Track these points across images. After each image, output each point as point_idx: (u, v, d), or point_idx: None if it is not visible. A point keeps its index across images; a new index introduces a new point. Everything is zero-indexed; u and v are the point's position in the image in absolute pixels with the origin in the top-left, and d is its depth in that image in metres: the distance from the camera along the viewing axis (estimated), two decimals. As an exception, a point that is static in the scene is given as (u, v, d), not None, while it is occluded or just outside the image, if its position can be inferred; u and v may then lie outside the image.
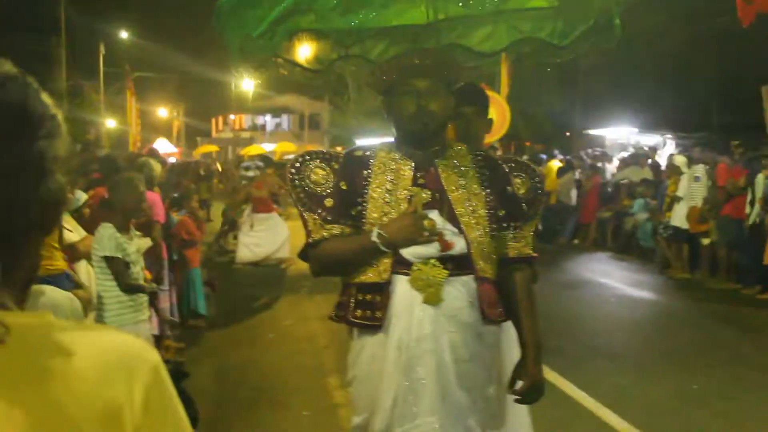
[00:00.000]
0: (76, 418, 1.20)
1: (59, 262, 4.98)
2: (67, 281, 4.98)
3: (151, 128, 50.65)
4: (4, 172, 1.18)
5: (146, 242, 6.92)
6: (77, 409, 1.21)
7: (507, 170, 3.78)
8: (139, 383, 1.29)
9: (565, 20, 4.56)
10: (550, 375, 8.37)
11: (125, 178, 7.00)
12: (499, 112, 13.38)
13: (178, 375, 6.43)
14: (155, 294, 7.01)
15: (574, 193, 21.64)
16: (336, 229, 3.53)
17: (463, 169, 3.65)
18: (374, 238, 3.41)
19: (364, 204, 3.53)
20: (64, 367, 1.22)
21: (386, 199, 3.51)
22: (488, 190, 3.64)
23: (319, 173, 3.60)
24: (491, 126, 4.67)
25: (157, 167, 9.37)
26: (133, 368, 1.30)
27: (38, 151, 1.23)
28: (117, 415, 1.25)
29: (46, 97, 1.28)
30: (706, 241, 14.68)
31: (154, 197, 8.88)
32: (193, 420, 6.33)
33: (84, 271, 6.58)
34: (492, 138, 13.96)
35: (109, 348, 1.30)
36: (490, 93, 13.32)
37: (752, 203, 13.11)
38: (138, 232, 6.86)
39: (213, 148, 67.13)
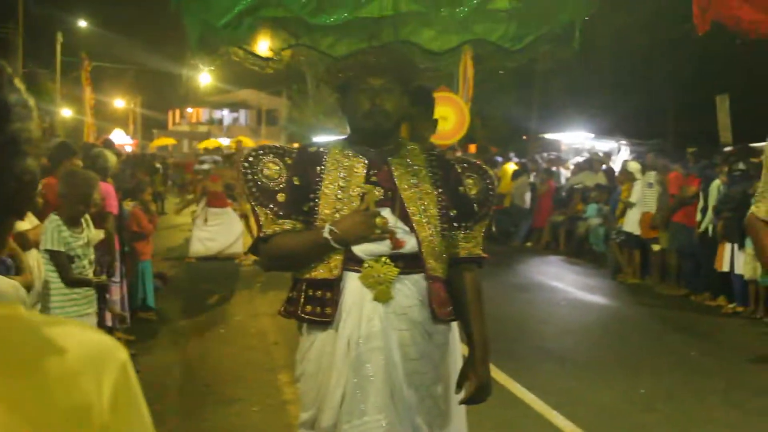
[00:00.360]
0: (48, 414, 1.20)
1: None
2: (1, 267, 4.90)
3: (108, 119, 50.16)
4: None
5: (98, 234, 6.84)
6: (49, 404, 1.20)
7: (459, 171, 3.79)
8: (108, 381, 1.28)
9: (519, 24, 4.58)
10: (499, 376, 8.43)
11: (79, 172, 6.93)
12: (457, 113, 13.42)
13: None
14: (105, 287, 6.93)
15: (528, 197, 21.76)
16: (288, 224, 3.52)
17: (415, 168, 3.66)
18: (326, 234, 3.41)
19: (317, 200, 3.53)
20: (37, 360, 1.22)
21: (339, 196, 3.52)
22: (440, 190, 3.66)
23: (272, 168, 3.59)
24: (436, 127, 4.67)
25: (112, 158, 9.27)
26: (103, 365, 1.29)
27: (11, 134, 1.23)
28: (86, 412, 1.24)
29: (18, 83, 1.29)
30: (656, 248, 14.81)
31: (107, 188, 8.79)
32: None
33: (34, 258, 6.50)
34: (453, 139, 14.00)
35: (82, 345, 1.29)
36: (449, 95, 13.39)
37: (704, 211, 13.24)
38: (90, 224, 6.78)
39: (170, 141, 66.65)
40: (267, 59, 4.33)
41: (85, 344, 1.30)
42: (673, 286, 14.46)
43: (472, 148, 28.77)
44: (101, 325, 6.85)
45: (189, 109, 72.99)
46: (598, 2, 4.35)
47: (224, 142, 57.54)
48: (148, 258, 11.04)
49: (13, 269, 5.05)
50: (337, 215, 3.47)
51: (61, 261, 6.24)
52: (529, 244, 21.32)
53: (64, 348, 1.25)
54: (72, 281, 6.29)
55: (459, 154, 13.29)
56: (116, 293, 8.92)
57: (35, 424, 1.18)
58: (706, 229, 13.26)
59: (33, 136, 1.27)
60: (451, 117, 13.40)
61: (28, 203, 1.31)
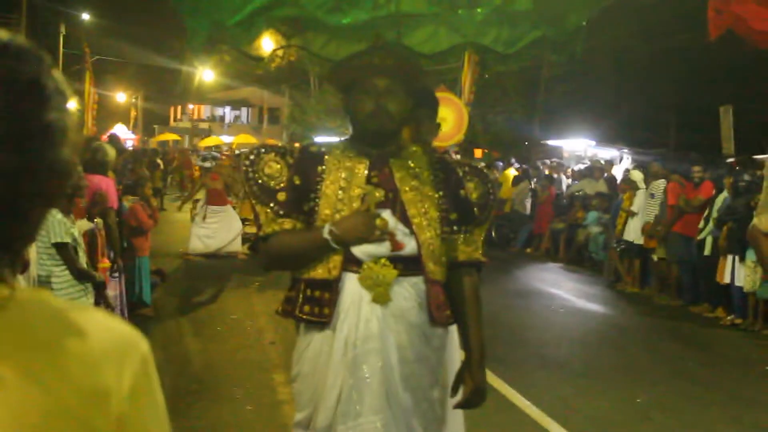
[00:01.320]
0: (67, 392, 1.21)
1: None
2: None
3: (109, 113, 50.20)
4: (16, 140, 1.20)
5: (86, 224, 6.83)
6: (69, 382, 1.22)
7: (461, 174, 3.79)
8: (129, 370, 1.30)
9: (512, 28, 4.55)
10: (496, 382, 8.42)
11: None
12: (456, 115, 13.39)
13: None
14: (103, 284, 6.92)
15: (528, 203, 21.78)
16: (288, 224, 3.52)
17: (417, 170, 3.65)
18: (326, 234, 3.41)
19: (317, 200, 3.53)
20: (61, 340, 1.24)
21: (339, 196, 3.51)
22: (441, 193, 3.65)
23: (273, 167, 3.59)
24: (438, 130, 4.66)
25: (112, 152, 9.24)
26: (125, 355, 1.32)
27: (48, 122, 1.25)
28: (105, 397, 1.25)
29: (57, 73, 1.31)
30: (655, 257, 14.80)
31: (108, 183, 8.78)
32: None
33: (34, 254, 6.49)
34: (450, 141, 13.96)
35: (108, 332, 1.32)
36: (449, 96, 13.37)
37: (707, 219, 13.23)
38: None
39: (173, 136, 66.62)
40: (258, 59, 4.32)
41: (109, 331, 1.32)
42: (672, 296, 14.45)
43: (478, 153, 28.82)
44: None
45: (190, 106, 72.97)
46: (597, 7, 4.34)
47: (225, 139, 57.61)
48: (145, 254, 11.03)
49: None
50: (338, 216, 3.47)
51: (68, 253, 6.24)
52: (528, 250, 21.31)
53: (88, 332, 1.27)
54: (81, 273, 6.29)
55: (457, 157, 13.29)
56: (114, 288, 8.90)
57: (54, 399, 1.19)
58: (705, 239, 13.25)
59: (68, 127, 1.29)
60: (449, 118, 13.35)
61: (60, 194, 1.33)
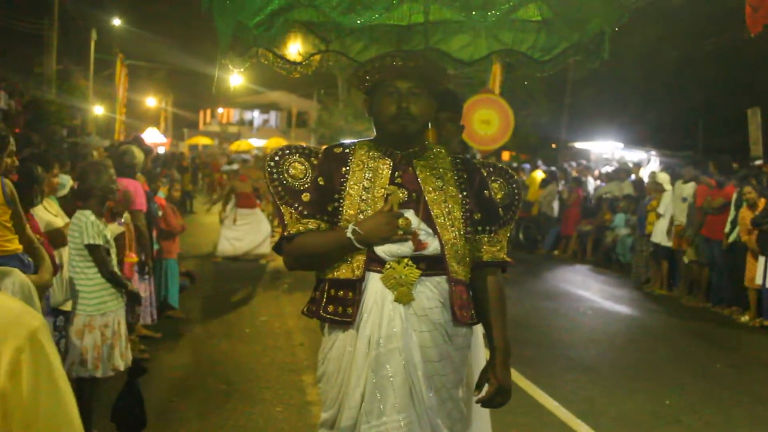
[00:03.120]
0: None
1: (12, 244, 4.92)
2: (19, 263, 4.93)
3: (139, 117, 50.49)
4: None
5: (117, 228, 6.88)
6: None
7: (485, 174, 3.80)
8: (10, 346, 1.30)
9: (549, 35, 4.54)
10: (523, 383, 8.43)
11: (92, 164, 6.97)
12: (502, 117, 13.33)
13: (135, 371, 6.39)
14: (138, 297, 6.95)
15: (556, 205, 21.72)
16: (312, 224, 3.53)
17: (441, 170, 3.66)
18: (349, 234, 3.42)
19: (341, 200, 3.54)
20: None
21: (363, 197, 3.52)
22: (465, 193, 3.65)
23: (297, 167, 3.61)
24: (462, 132, 4.66)
25: (140, 155, 9.29)
26: (6, 331, 1.31)
27: None
28: None
29: None
30: (686, 259, 14.72)
31: (136, 185, 8.84)
32: (139, 421, 6.30)
33: (66, 256, 6.54)
34: (495, 145, 13.89)
35: None
36: (495, 98, 13.27)
37: (733, 222, 13.15)
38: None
39: (205, 140, 66.82)
40: (295, 63, 4.32)
41: None
42: (700, 298, 14.37)
43: (505, 155, 28.76)
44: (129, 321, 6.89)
45: (220, 110, 73.25)
46: (627, 14, 4.31)
47: (255, 143, 57.76)
48: (173, 257, 11.07)
49: (32, 267, 5.07)
50: (361, 216, 3.48)
51: (100, 255, 6.29)
52: (556, 252, 21.28)
53: None
54: (112, 276, 6.34)
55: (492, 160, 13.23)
56: (144, 290, 8.96)
57: None
58: (733, 241, 13.17)
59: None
60: (494, 121, 13.27)
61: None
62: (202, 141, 66.66)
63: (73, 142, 13.67)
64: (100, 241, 6.27)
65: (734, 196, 13.34)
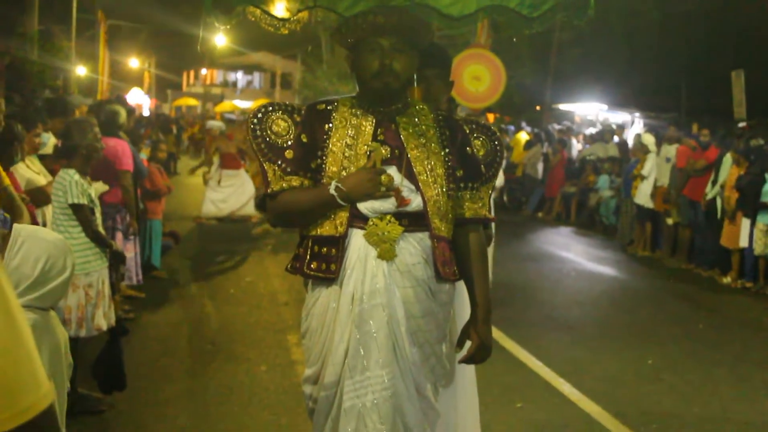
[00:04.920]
0: None
1: None
2: None
3: (122, 78, 50.13)
4: None
5: (102, 187, 6.84)
6: None
7: (468, 131, 3.80)
8: None
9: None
10: (507, 344, 8.48)
11: (76, 122, 6.91)
12: (493, 74, 13.18)
13: (117, 331, 6.37)
14: (121, 255, 6.91)
15: (540, 167, 21.73)
16: (295, 181, 3.53)
17: (423, 128, 3.65)
18: (332, 190, 3.42)
19: (324, 157, 3.54)
20: None
21: (346, 154, 3.52)
22: (447, 150, 3.66)
23: (281, 125, 3.59)
24: (451, 88, 4.63)
25: (123, 113, 9.23)
26: None
27: None
28: None
29: None
30: (670, 221, 14.77)
31: (123, 145, 8.78)
32: (118, 383, 6.30)
33: (50, 214, 6.50)
34: (485, 102, 13.74)
35: None
36: (485, 53, 13.12)
37: (714, 182, 13.20)
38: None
39: (191, 101, 66.48)
40: (283, 20, 4.26)
41: None
42: (683, 259, 14.44)
43: (490, 117, 28.69)
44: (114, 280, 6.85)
45: (203, 71, 72.86)
46: None
47: (239, 104, 57.52)
48: (158, 217, 11.05)
49: (8, 222, 5.01)
50: (344, 173, 3.48)
51: (84, 214, 6.25)
52: (540, 214, 21.32)
53: None
54: (96, 235, 6.30)
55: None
56: (130, 250, 8.94)
57: None
58: (714, 204, 13.23)
59: None
60: (485, 78, 13.08)
61: None
62: (187, 102, 66.36)
63: (49, 98, 13.51)
64: (84, 201, 6.24)
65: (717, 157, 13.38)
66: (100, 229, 6.50)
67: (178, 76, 75.31)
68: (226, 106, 56.06)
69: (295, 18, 4.20)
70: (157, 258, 11.04)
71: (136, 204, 9.31)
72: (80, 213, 6.24)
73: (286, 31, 4.21)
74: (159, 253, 11.12)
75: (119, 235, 8.70)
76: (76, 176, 6.27)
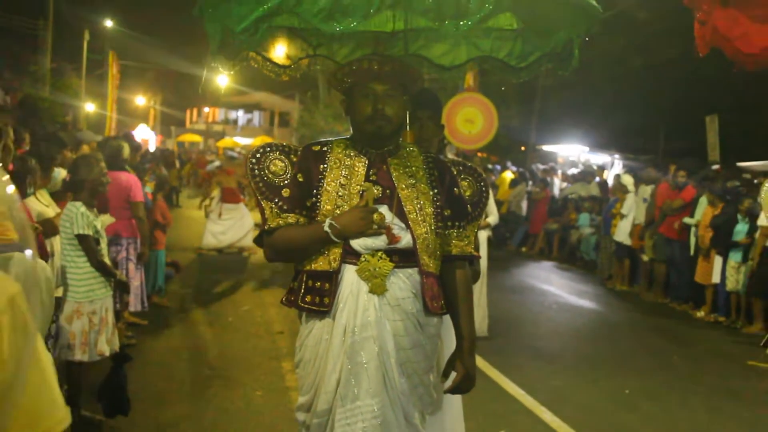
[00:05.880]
0: None
1: (11, 233, 4.87)
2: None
3: (130, 114, 50.30)
4: None
5: (108, 219, 6.84)
6: None
7: (455, 173, 3.83)
8: None
9: (524, 43, 4.56)
10: (492, 373, 8.47)
11: (83, 157, 6.94)
12: (486, 117, 13.21)
13: (120, 358, 6.37)
14: (126, 286, 6.92)
15: (524, 204, 21.79)
16: (291, 218, 3.55)
17: (413, 169, 3.68)
18: (326, 228, 3.44)
19: (319, 196, 3.56)
20: None
21: (340, 193, 3.54)
22: (436, 191, 3.68)
23: (278, 164, 3.62)
24: (443, 130, 4.66)
25: (127, 149, 9.28)
26: None
27: None
28: None
29: None
30: (645, 258, 14.81)
31: (133, 178, 8.87)
32: (121, 408, 6.29)
33: (57, 245, 6.50)
34: (477, 144, 13.77)
35: None
36: (479, 96, 13.14)
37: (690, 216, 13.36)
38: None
39: (194, 137, 66.58)
40: (284, 66, 4.32)
41: None
42: (659, 294, 14.46)
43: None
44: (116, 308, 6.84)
45: (206, 109, 73.06)
46: (597, 23, 4.32)
47: (239, 141, 57.66)
48: (162, 248, 11.06)
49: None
50: (338, 211, 3.50)
51: (89, 244, 6.26)
52: (523, 249, 21.33)
53: None
54: (100, 264, 6.31)
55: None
56: (137, 279, 8.95)
57: None
58: (687, 242, 13.35)
59: None
60: (478, 120, 13.11)
61: None
62: (190, 138, 66.49)
63: (52, 134, 13.54)
64: (89, 232, 6.25)
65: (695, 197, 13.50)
66: (106, 259, 6.50)
67: (182, 113, 75.52)
68: (227, 142, 56.18)
69: (294, 65, 4.24)
70: (161, 286, 11.05)
71: (151, 234, 9.35)
72: (85, 243, 6.25)
73: (287, 78, 4.25)
74: (163, 281, 11.14)
75: (131, 266, 8.73)
76: (83, 208, 6.28)
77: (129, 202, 8.70)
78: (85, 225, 6.24)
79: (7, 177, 1.50)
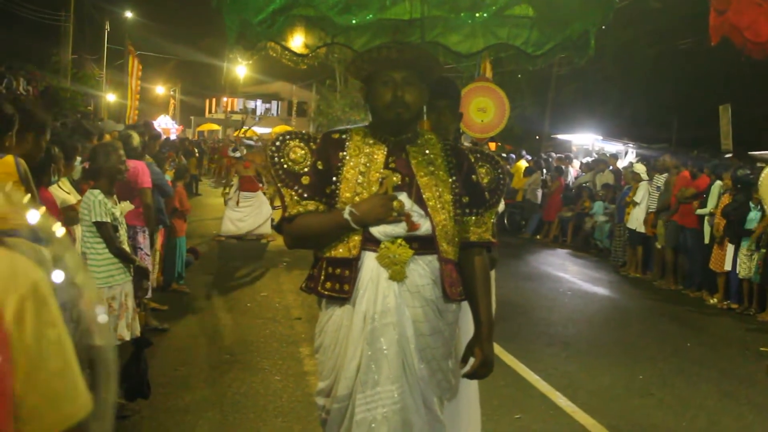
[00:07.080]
0: None
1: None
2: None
3: (149, 104, 50.40)
4: None
5: (128, 206, 6.84)
6: None
7: (473, 160, 3.80)
8: (14, 295, 1.36)
9: (541, 31, 4.54)
10: (506, 358, 8.44)
11: (102, 145, 6.94)
12: (498, 105, 13.14)
13: (141, 343, 6.39)
14: (145, 270, 6.92)
15: (539, 192, 21.74)
16: (311, 206, 3.53)
17: (432, 156, 3.65)
18: (346, 215, 3.42)
19: (338, 183, 3.53)
20: None
21: (359, 180, 3.51)
22: (454, 178, 3.65)
23: (298, 152, 3.59)
24: (461, 119, 4.64)
25: (137, 138, 9.26)
26: (12, 282, 1.37)
27: None
28: None
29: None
30: (659, 245, 14.75)
31: (142, 165, 8.82)
32: (142, 391, 6.31)
33: (79, 232, 6.51)
34: (490, 132, 13.70)
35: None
36: (491, 86, 13.09)
37: (703, 204, 13.28)
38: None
39: (214, 126, 66.63)
40: (302, 55, 4.32)
41: (2, 261, 1.39)
42: (671, 281, 14.41)
43: (492, 145, 28.72)
44: (137, 295, 6.84)
45: (224, 98, 73.16)
46: (611, 14, 4.31)
47: (257, 130, 57.72)
48: (183, 235, 11.08)
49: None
50: (357, 198, 3.47)
51: (108, 232, 6.26)
52: (538, 236, 21.28)
53: None
54: (118, 251, 6.31)
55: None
56: (148, 264, 8.94)
57: None
58: (701, 230, 13.30)
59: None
60: (490, 109, 13.05)
61: None
62: (210, 127, 66.58)
63: (77, 123, 13.56)
64: (107, 219, 6.24)
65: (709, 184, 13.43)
66: (125, 245, 6.50)
67: (202, 103, 75.64)
68: (246, 131, 56.25)
69: (313, 54, 4.22)
70: (180, 273, 11.07)
71: (163, 220, 9.35)
72: (103, 230, 6.24)
73: (305, 66, 4.23)
74: (183, 268, 11.16)
75: (141, 254, 8.72)
76: (101, 196, 6.27)
77: (136, 189, 8.65)
78: (103, 212, 6.24)
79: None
